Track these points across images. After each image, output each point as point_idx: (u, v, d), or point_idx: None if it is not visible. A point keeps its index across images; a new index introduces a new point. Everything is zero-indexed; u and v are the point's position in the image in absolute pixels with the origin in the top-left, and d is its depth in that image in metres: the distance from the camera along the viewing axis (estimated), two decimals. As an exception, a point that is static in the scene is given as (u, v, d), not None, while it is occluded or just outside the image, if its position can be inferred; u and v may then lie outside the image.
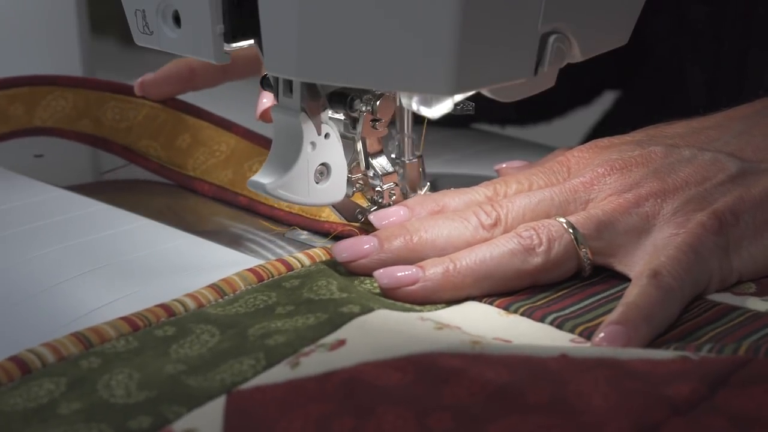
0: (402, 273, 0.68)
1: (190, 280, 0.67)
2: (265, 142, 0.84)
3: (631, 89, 1.12)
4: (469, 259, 0.68)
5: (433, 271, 0.68)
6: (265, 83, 0.73)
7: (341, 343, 0.60)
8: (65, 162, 0.90)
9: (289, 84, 0.70)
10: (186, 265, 0.73)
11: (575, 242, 0.69)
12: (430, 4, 0.60)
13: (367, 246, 0.70)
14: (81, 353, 0.60)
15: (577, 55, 0.68)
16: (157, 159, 0.89)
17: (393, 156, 0.77)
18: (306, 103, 0.70)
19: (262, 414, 0.54)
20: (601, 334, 0.62)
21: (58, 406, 0.56)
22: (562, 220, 0.69)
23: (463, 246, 0.70)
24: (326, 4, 0.62)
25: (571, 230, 0.69)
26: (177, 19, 0.67)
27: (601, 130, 1.11)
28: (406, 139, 0.77)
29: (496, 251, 0.68)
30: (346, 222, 0.76)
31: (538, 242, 0.68)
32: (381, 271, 0.68)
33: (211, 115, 0.88)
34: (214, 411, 0.55)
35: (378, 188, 0.75)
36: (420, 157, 0.77)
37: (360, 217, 0.76)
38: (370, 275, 0.69)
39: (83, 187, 0.88)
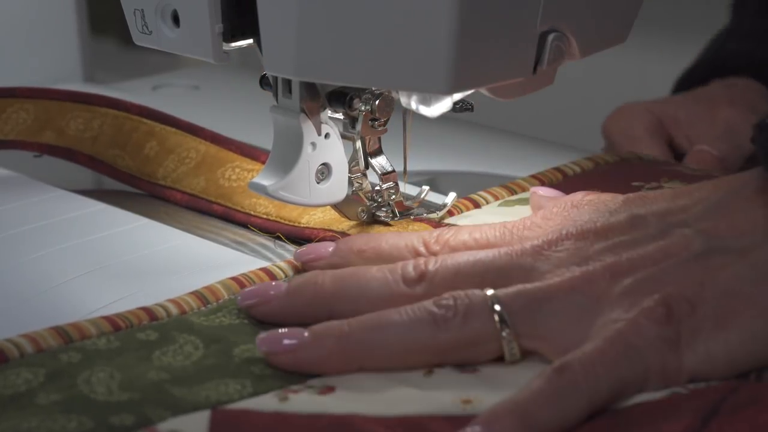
0: (286, 340, 0.60)
1: (190, 280, 0.67)
2: (234, 147, 0.82)
3: None
4: (367, 324, 0.60)
5: (322, 336, 0.60)
6: (264, 83, 0.73)
7: (330, 389, 0.58)
8: (65, 162, 0.90)
9: (288, 84, 0.70)
10: (186, 265, 0.73)
11: (498, 320, 0.59)
12: (429, 3, 0.60)
13: (273, 292, 0.64)
14: (60, 347, 0.60)
15: (576, 54, 0.68)
16: (126, 169, 0.86)
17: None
18: (305, 103, 0.70)
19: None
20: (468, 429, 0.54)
21: (36, 396, 0.55)
22: (490, 292, 0.60)
23: (378, 301, 0.62)
24: (325, 3, 0.62)
25: (497, 306, 0.60)
26: (176, 19, 0.67)
27: None
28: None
29: (402, 318, 0.60)
30: (327, 228, 0.75)
31: (452, 314, 0.59)
32: (263, 336, 0.60)
33: (177, 120, 0.85)
34: (199, 420, 0.55)
35: (377, 187, 0.75)
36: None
37: (363, 215, 0.75)
38: None
39: (83, 187, 0.88)
